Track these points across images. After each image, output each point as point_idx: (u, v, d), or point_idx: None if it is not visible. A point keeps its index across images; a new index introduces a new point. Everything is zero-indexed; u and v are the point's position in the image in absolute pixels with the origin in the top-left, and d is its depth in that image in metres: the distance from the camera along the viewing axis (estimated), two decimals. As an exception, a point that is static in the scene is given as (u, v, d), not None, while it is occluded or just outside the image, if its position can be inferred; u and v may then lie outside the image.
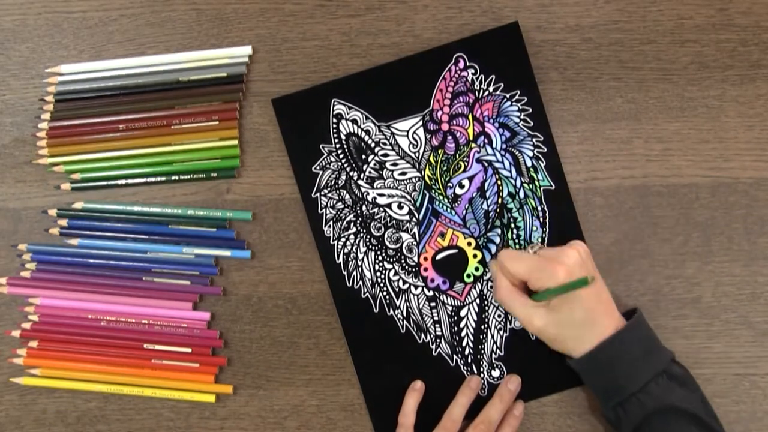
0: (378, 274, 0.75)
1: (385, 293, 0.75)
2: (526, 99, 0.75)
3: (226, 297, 0.76)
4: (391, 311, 0.75)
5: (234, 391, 0.76)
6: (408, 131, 0.75)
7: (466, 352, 0.74)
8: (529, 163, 0.75)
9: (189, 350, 0.75)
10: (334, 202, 0.75)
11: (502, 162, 0.75)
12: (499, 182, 0.75)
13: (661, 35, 0.75)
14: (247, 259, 0.76)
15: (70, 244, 0.76)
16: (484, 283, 0.75)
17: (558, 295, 0.67)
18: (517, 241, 0.75)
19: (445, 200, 0.74)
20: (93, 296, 0.76)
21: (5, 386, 0.77)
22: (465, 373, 0.74)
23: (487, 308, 0.74)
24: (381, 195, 0.75)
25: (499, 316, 0.74)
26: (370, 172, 0.75)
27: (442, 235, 0.74)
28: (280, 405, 0.76)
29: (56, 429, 0.76)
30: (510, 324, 0.75)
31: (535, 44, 0.76)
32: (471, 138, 0.75)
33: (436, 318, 0.74)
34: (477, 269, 0.74)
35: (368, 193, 0.75)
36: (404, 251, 0.75)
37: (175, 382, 0.76)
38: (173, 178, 0.76)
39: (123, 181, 0.76)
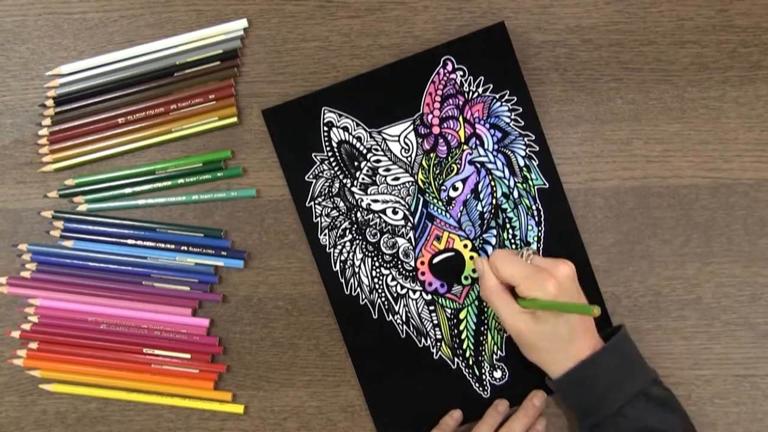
0: (375, 280, 0.75)
1: (383, 299, 0.75)
2: (515, 99, 0.75)
3: (225, 298, 0.76)
4: (390, 317, 0.75)
5: (233, 394, 0.76)
6: (399, 136, 0.75)
7: (467, 354, 0.74)
8: (521, 163, 0.75)
9: (188, 356, 0.75)
10: (329, 210, 0.75)
11: (495, 163, 0.75)
12: (492, 183, 0.75)
13: (661, 36, 0.75)
14: (240, 268, 0.76)
15: (66, 245, 0.76)
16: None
17: (549, 309, 0.66)
18: (513, 241, 0.74)
19: (440, 203, 0.74)
20: (93, 299, 0.76)
21: (5, 387, 0.77)
22: (467, 375, 0.75)
23: (486, 309, 0.74)
24: (375, 201, 0.75)
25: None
26: (363, 179, 0.75)
27: (438, 238, 0.74)
28: (280, 406, 0.76)
29: (56, 430, 0.76)
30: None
31: (535, 45, 0.76)
32: (462, 140, 0.75)
33: (435, 321, 0.74)
34: (474, 271, 0.74)
35: (362, 200, 0.75)
36: (401, 256, 0.75)
37: (175, 388, 0.76)
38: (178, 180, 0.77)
39: (126, 182, 0.77)
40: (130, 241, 0.76)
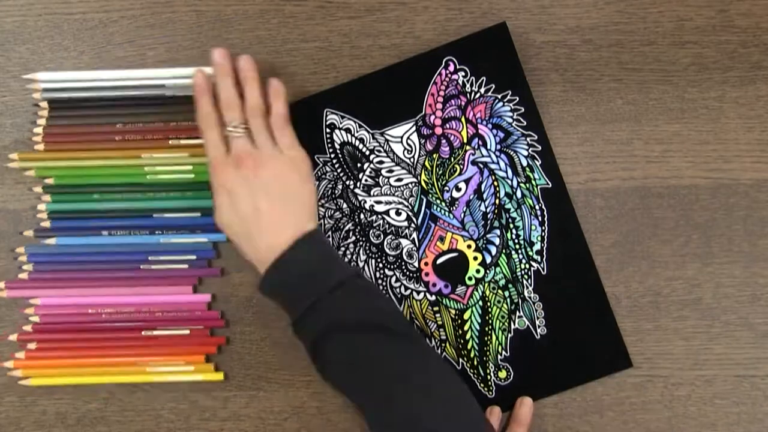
0: (379, 281, 0.74)
1: (387, 300, 0.75)
2: (517, 99, 0.75)
3: (226, 298, 0.76)
4: (395, 318, 0.75)
5: (233, 393, 0.76)
6: (402, 137, 0.75)
7: (472, 354, 0.74)
8: (524, 163, 0.75)
9: (187, 332, 0.75)
10: (332, 212, 0.75)
11: (498, 163, 0.75)
12: (495, 183, 0.75)
13: (661, 36, 0.75)
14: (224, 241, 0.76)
15: (59, 244, 0.76)
16: (486, 284, 0.74)
17: None
18: (516, 241, 0.75)
19: (443, 204, 0.74)
20: (92, 290, 0.76)
21: (5, 388, 0.77)
22: (471, 375, 0.74)
23: (490, 309, 0.74)
24: (378, 202, 0.75)
25: (503, 316, 0.74)
26: (366, 180, 0.75)
27: (442, 239, 0.74)
28: (281, 406, 0.76)
29: (56, 430, 0.76)
30: (514, 324, 0.75)
31: (536, 46, 0.76)
32: (465, 141, 0.75)
33: (440, 322, 0.74)
34: (478, 271, 0.74)
35: (365, 201, 0.75)
36: (404, 257, 0.75)
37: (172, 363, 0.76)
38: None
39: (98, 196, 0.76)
40: (117, 231, 0.76)
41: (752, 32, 0.75)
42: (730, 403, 0.74)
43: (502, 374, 0.74)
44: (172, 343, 0.76)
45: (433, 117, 0.75)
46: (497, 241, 0.75)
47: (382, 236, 0.75)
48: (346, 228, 0.75)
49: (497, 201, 0.75)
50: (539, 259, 0.75)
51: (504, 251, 0.75)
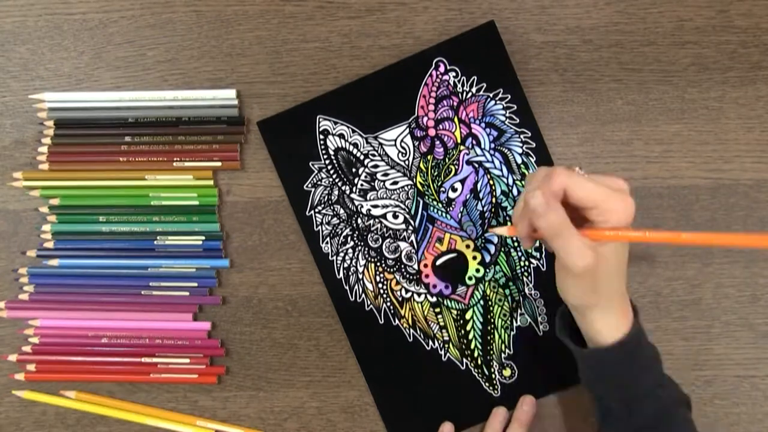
0: (380, 285, 0.74)
1: (388, 304, 0.75)
2: (509, 96, 0.75)
3: (225, 300, 0.76)
4: (397, 321, 0.75)
5: (233, 393, 0.76)
6: (395, 140, 0.75)
7: (475, 354, 0.74)
8: (519, 160, 0.75)
9: (187, 360, 0.75)
10: (329, 218, 0.75)
11: (492, 161, 0.75)
12: (491, 182, 0.75)
13: (661, 37, 0.75)
14: (226, 267, 0.76)
15: (61, 264, 0.76)
16: (487, 283, 0.74)
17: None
18: (515, 238, 0.74)
19: (440, 205, 0.74)
20: (92, 314, 0.76)
21: (5, 388, 0.77)
22: (476, 375, 0.75)
23: (491, 308, 0.74)
24: (375, 206, 0.75)
25: (504, 315, 0.74)
26: (361, 185, 0.75)
27: (440, 240, 0.74)
28: (281, 407, 0.76)
29: (56, 430, 0.76)
30: (516, 322, 0.75)
31: (536, 46, 0.76)
32: (459, 141, 0.75)
33: (441, 323, 0.74)
34: (478, 271, 0.74)
35: (362, 206, 0.75)
36: (404, 260, 0.74)
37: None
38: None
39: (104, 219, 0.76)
40: (118, 253, 0.76)
41: (752, 32, 0.75)
42: (729, 404, 0.74)
43: (507, 372, 0.74)
44: (172, 372, 0.76)
45: (425, 119, 0.75)
46: (495, 239, 0.75)
47: (380, 240, 0.75)
48: (344, 233, 0.75)
49: (494, 199, 0.75)
50: (538, 256, 0.75)
51: (503, 249, 0.75)
